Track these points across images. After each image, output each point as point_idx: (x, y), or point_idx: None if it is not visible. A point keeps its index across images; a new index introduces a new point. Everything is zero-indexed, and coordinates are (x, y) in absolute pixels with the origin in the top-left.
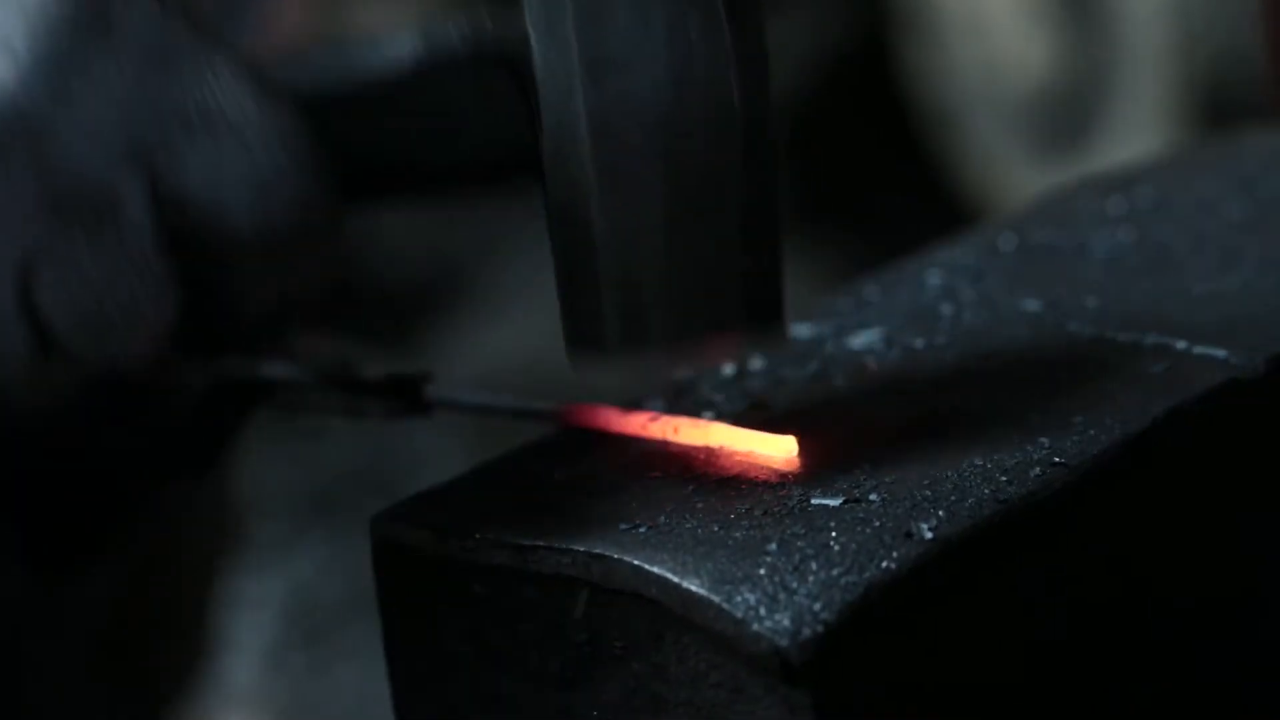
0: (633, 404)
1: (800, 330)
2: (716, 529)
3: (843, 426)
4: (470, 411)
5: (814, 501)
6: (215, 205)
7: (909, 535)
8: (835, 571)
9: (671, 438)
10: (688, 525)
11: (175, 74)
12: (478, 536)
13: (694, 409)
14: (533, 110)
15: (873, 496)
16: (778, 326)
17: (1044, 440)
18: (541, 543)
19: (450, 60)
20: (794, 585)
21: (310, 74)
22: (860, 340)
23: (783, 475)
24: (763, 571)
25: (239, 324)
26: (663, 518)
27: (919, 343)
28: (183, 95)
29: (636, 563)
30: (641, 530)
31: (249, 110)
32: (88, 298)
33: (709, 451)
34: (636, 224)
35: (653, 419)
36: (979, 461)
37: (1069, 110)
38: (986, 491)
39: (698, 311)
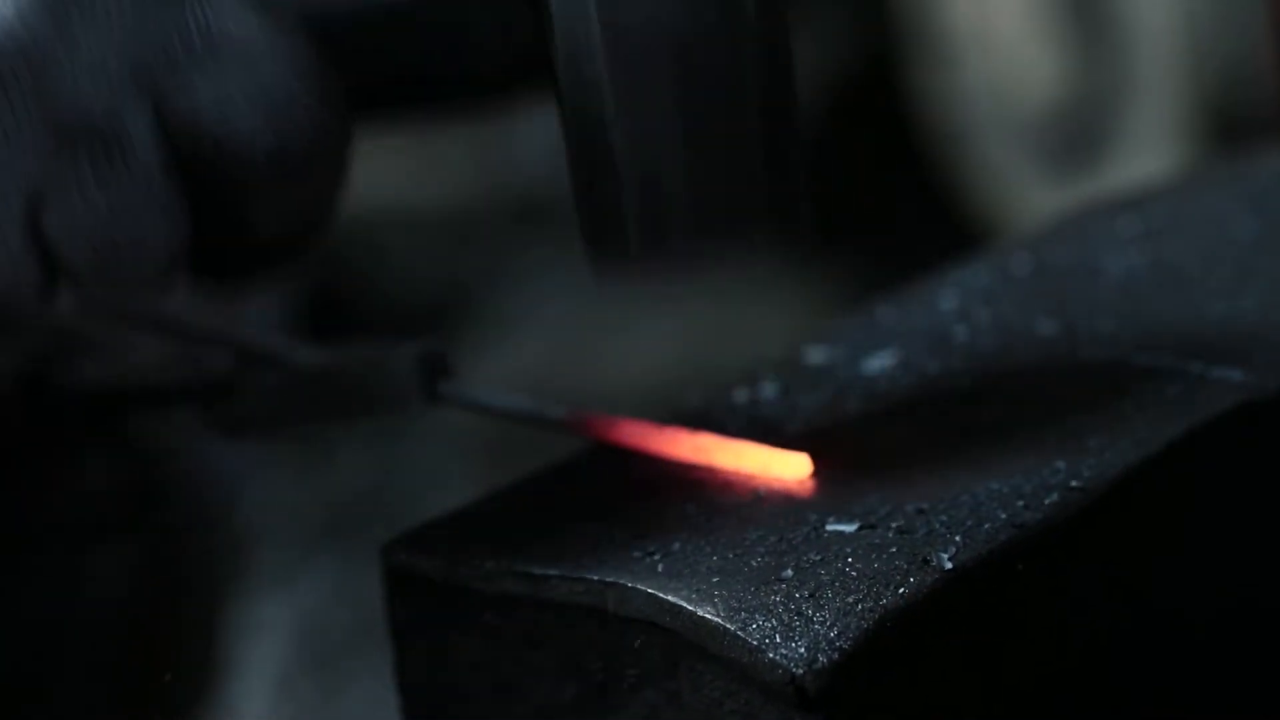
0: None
1: (814, 354)
2: (732, 556)
3: (858, 451)
4: (479, 411)
5: (830, 528)
6: (225, 130)
7: (926, 561)
8: (851, 599)
9: (686, 454)
10: (703, 552)
11: None
12: (490, 564)
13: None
14: (543, 16)
15: (889, 522)
16: (802, 228)
17: (1060, 464)
18: (555, 571)
19: None
20: (810, 613)
21: None
22: (875, 364)
23: (798, 501)
24: (778, 599)
25: (254, 248)
26: (678, 545)
27: (934, 366)
28: (185, 20)
29: (651, 591)
30: (656, 557)
31: (253, 31)
32: (96, 227)
33: (724, 478)
34: (654, 124)
35: (669, 431)
36: (995, 486)
37: (1080, 129)
38: (1003, 516)
39: (719, 211)
